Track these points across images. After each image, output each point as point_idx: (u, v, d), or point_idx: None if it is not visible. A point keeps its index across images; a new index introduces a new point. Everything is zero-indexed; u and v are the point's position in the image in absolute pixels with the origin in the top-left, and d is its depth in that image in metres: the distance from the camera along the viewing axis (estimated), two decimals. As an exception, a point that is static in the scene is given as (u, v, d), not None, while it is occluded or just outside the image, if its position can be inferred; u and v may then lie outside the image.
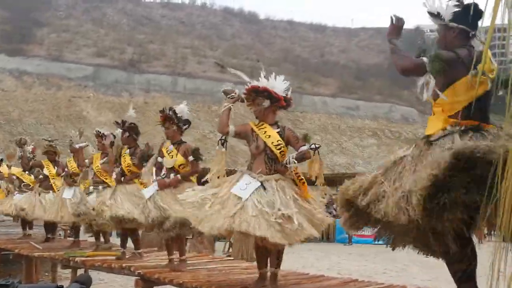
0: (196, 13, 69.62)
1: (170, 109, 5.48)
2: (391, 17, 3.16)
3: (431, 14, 3.11)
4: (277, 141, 4.19)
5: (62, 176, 8.29)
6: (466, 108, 2.88)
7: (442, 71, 2.85)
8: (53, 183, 8.41)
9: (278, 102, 4.27)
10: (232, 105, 4.35)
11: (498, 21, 1.90)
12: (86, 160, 7.24)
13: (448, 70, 2.86)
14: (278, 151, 4.18)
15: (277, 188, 4.03)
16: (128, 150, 6.19)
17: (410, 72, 3.02)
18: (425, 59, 2.91)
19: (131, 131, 6.22)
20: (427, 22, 3.31)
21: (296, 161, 4.11)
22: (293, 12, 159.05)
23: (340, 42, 70.42)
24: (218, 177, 4.27)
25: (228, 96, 4.39)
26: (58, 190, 8.14)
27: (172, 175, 5.29)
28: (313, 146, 4.15)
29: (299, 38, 69.16)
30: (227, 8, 73.10)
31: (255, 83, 4.28)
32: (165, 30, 60.27)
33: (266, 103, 4.24)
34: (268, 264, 4.29)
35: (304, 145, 4.20)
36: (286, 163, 4.12)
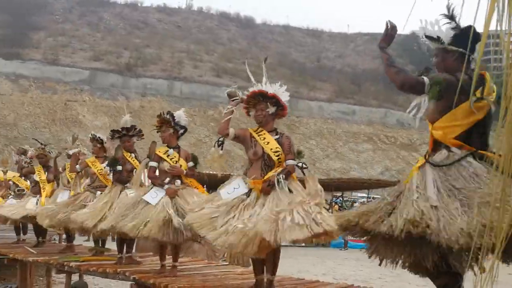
0: (193, 17, 69.68)
1: (168, 112, 5.44)
2: (387, 23, 3.15)
3: (429, 37, 3.09)
4: (276, 148, 4.15)
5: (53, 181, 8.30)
6: (466, 132, 2.89)
7: (439, 97, 2.87)
8: (43, 188, 8.36)
9: (282, 111, 4.25)
10: (234, 108, 4.30)
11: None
12: (77, 166, 7.17)
13: (448, 94, 2.84)
14: (277, 158, 4.14)
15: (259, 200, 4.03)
16: (133, 155, 6.18)
17: (409, 89, 3.01)
18: (426, 80, 2.92)
19: (140, 135, 6.23)
20: (423, 23, 3.28)
21: (284, 179, 4.00)
22: (289, 17, 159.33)
23: (336, 47, 70.64)
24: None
25: (231, 99, 4.34)
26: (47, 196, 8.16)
27: (178, 182, 5.21)
28: (300, 164, 4.10)
29: (295, 43, 69.33)
30: (224, 12, 73.21)
31: (261, 87, 4.22)
32: (161, 34, 60.27)
33: (272, 109, 4.20)
34: (264, 271, 4.28)
35: (293, 159, 4.14)
36: (271, 184, 4.02)
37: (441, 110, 2.91)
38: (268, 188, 4.02)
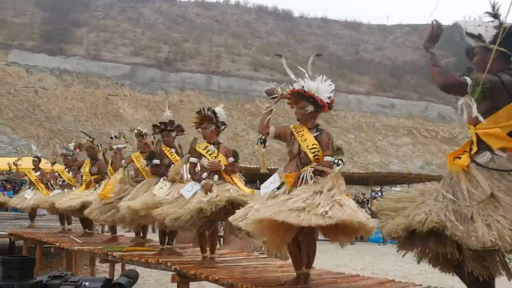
0: (230, 11, 69.88)
1: (209, 109, 5.51)
2: (432, 22, 3.08)
3: (470, 35, 3.03)
4: (312, 145, 4.14)
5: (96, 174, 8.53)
6: (509, 134, 2.85)
7: (482, 98, 2.82)
8: (85, 180, 8.61)
9: (322, 109, 4.23)
10: (274, 106, 4.29)
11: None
12: (123, 161, 7.36)
13: (491, 96, 2.81)
14: (312, 155, 4.13)
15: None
16: (173, 150, 6.35)
17: (451, 90, 3.00)
18: (468, 80, 2.85)
19: (178, 131, 6.38)
20: (465, 18, 3.20)
21: (312, 177, 3.96)
22: (327, 10, 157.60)
23: (375, 39, 69.38)
24: None
25: (270, 97, 4.31)
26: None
27: (216, 177, 5.29)
28: (336, 160, 4.04)
29: (333, 36, 68.53)
30: (261, 6, 73.08)
31: (301, 84, 4.19)
32: (199, 28, 60.75)
33: (310, 108, 4.19)
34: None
35: (331, 156, 4.10)
36: (299, 178, 3.98)
37: (484, 112, 2.87)
38: (298, 182, 4.01)
